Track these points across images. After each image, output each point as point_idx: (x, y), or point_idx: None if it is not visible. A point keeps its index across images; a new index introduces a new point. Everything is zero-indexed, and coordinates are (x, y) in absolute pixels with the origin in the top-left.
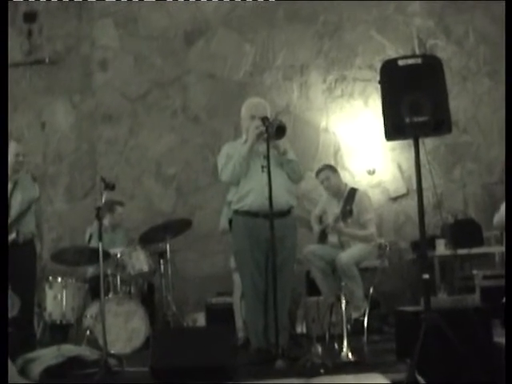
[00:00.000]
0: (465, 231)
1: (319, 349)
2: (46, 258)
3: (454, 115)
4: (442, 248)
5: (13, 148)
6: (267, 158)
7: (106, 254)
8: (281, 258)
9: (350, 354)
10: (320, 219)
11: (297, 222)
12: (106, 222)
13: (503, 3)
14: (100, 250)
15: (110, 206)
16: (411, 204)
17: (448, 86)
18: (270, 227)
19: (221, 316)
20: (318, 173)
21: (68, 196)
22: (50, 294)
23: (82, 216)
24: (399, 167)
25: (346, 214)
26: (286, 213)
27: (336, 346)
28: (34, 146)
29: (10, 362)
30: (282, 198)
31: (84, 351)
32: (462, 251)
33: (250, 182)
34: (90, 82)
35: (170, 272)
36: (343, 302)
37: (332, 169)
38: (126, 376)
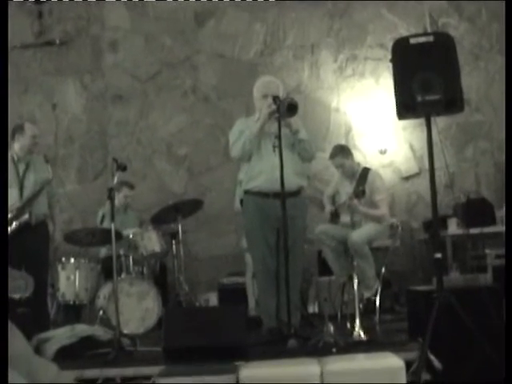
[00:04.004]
0: (477, 210)
1: (331, 328)
2: (59, 239)
3: (466, 94)
4: (454, 227)
5: (29, 129)
6: (279, 137)
7: (119, 235)
8: (291, 237)
9: (362, 334)
10: (333, 199)
11: (308, 202)
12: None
13: None
14: (112, 230)
15: (118, 187)
16: (423, 183)
17: (460, 64)
18: (281, 207)
19: (233, 296)
20: (331, 157)
21: (79, 177)
22: (62, 274)
23: (93, 197)
24: (411, 146)
25: (359, 194)
26: (296, 193)
27: (348, 325)
28: (45, 127)
29: (25, 342)
30: (292, 179)
31: (97, 331)
32: (474, 230)
33: (261, 162)
34: (100, 63)
35: (181, 252)
36: (355, 281)
37: (345, 153)
38: (138, 356)
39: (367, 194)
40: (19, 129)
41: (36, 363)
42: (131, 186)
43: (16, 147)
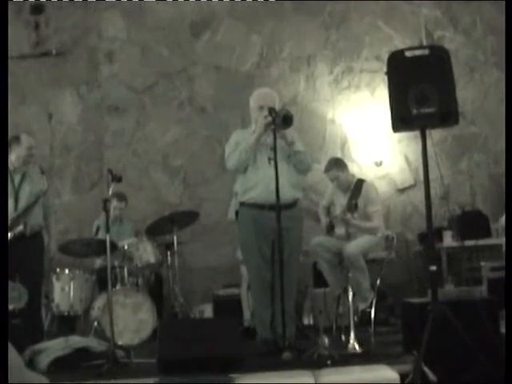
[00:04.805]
0: (472, 223)
1: (326, 340)
2: (54, 249)
3: (462, 106)
4: (449, 239)
5: (25, 140)
6: (274, 149)
7: (114, 246)
8: (287, 249)
9: (356, 346)
10: (328, 210)
11: (303, 214)
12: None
13: None
14: (107, 241)
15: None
16: (418, 195)
17: (455, 76)
18: (276, 219)
19: (228, 307)
20: (326, 170)
21: (75, 188)
22: (57, 285)
23: (89, 208)
24: (406, 159)
25: (352, 207)
26: (291, 205)
27: (343, 337)
28: (41, 137)
29: (17, 354)
30: (287, 191)
31: (91, 342)
32: (469, 243)
33: (257, 174)
34: (96, 74)
35: (177, 264)
36: (350, 293)
37: (340, 166)
38: (133, 367)
39: (361, 205)
40: (16, 140)
41: (27, 377)
42: (121, 198)
43: (12, 158)
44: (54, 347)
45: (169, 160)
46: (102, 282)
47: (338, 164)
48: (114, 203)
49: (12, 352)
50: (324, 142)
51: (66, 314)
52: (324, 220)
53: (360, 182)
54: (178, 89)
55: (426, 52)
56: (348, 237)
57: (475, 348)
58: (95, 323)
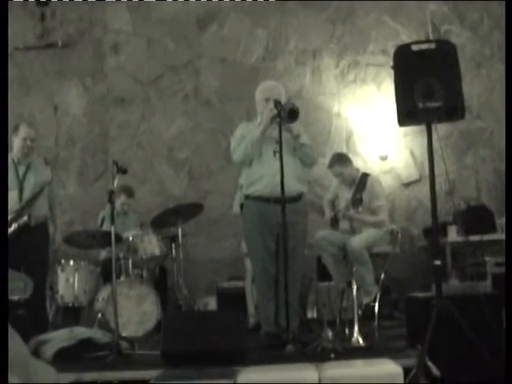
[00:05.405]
0: (477, 218)
1: (330, 334)
2: (59, 241)
3: (468, 101)
4: (453, 234)
5: (22, 131)
6: (279, 142)
7: (119, 238)
8: (291, 243)
9: (360, 340)
10: (332, 204)
11: (308, 208)
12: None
13: None
14: (112, 233)
15: (117, 193)
16: (423, 190)
17: (462, 71)
18: (281, 212)
19: (232, 300)
20: (330, 166)
21: (80, 179)
22: (62, 276)
23: (94, 199)
24: (412, 153)
25: (356, 202)
26: (296, 198)
27: (347, 331)
28: (46, 129)
29: (22, 344)
30: (292, 184)
31: (96, 334)
32: (473, 238)
33: (262, 167)
34: (102, 66)
35: (181, 256)
36: (354, 287)
37: (343, 162)
38: (137, 359)
39: (366, 200)
40: (14, 130)
41: (34, 366)
42: (129, 193)
43: (14, 149)
44: (59, 338)
45: (174, 152)
46: (106, 273)
47: (341, 160)
48: (123, 199)
49: (18, 341)
50: (329, 136)
51: (70, 305)
52: (328, 214)
53: (365, 177)
54: (183, 81)
55: (433, 46)
56: (352, 231)
57: (479, 343)
58: (99, 314)
